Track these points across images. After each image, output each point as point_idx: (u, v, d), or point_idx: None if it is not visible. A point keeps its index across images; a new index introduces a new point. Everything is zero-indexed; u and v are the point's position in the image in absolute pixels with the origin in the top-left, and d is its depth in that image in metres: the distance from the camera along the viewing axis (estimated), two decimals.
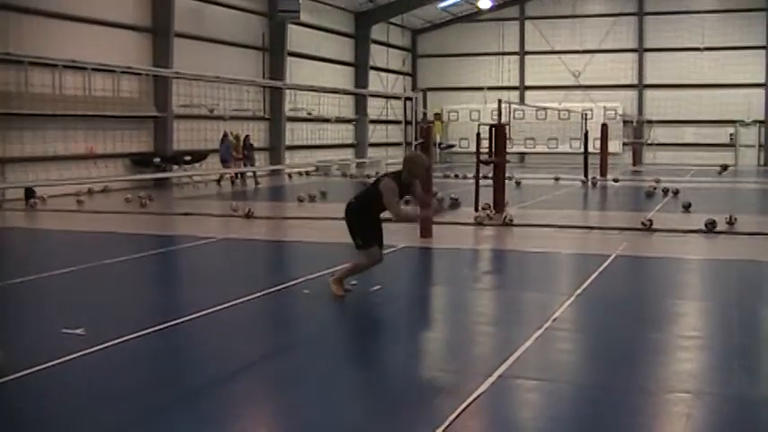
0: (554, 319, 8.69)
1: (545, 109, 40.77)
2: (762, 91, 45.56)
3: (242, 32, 34.56)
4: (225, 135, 30.31)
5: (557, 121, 42.01)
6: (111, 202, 23.00)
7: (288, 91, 36.34)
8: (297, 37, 37.85)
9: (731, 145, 46.04)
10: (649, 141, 46.76)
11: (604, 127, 35.84)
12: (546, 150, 45.77)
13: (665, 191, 24.47)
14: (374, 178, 10.48)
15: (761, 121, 45.73)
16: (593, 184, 29.08)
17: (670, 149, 46.08)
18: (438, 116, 48.38)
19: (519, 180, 28.49)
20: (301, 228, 17.25)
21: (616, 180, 30.42)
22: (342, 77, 42.34)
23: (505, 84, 47.52)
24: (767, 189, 29.14)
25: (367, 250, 9.87)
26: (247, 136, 32.12)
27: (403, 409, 6.12)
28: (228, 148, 30.05)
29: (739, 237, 15.50)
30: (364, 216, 9.90)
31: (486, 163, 19.46)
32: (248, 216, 18.42)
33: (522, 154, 46.38)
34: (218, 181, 30.35)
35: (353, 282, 10.36)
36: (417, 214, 10.54)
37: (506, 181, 20.56)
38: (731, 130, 45.96)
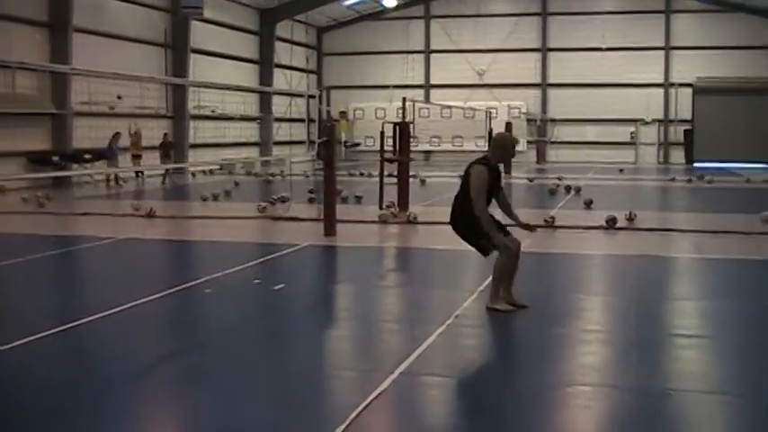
0: (456, 316, 8.75)
1: (450, 107, 41.09)
2: (661, 91, 46.78)
3: (144, 28, 33.97)
4: (116, 134, 29.07)
5: (462, 120, 42.33)
6: (6, 201, 22.30)
7: (191, 88, 35.88)
8: (200, 33, 37.38)
9: (632, 143, 47.14)
10: (553, 139, 47.54)
11: (508, 125, 36.29)
12: (451, 148, 46.10)
13: (568, 188, 24.90)
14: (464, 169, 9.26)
15: (660, 120, 46.96)
16: None
17: (573, 147, 46.99)
18: (344, 114, 48.35)
19: (424, 178, 28.60)
20: (204, 227, 17.01)
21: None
22: (246, 75, 41.94)
23: (411, 82, 47.75)
24: (666, 186, 29.90)
25: (501, 246, 8.89)
26: (165, 134, 31.76)
27: (304, 408, 6.07)
28: (113, 147, 28.75)
29: (639, 232, 15.85)
30: (472, 217, 8.88)
31: (391, 161, 19.48)
32: (150, 215, 18.10)
33: (428, 152, 46.68)
34: (116, 180, 29.34)
35: (257, 280, 10.25)
36: (497, 238, 8.82)
37: (411, 179, 20.65)
38: (632, 128, 47.06)
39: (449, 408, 6.27)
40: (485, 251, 9.07)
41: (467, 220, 8.95)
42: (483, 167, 8.87)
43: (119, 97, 29.29)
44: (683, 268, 12.85)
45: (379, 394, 6.22)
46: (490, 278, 9.12)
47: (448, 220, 9.25)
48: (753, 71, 45.00)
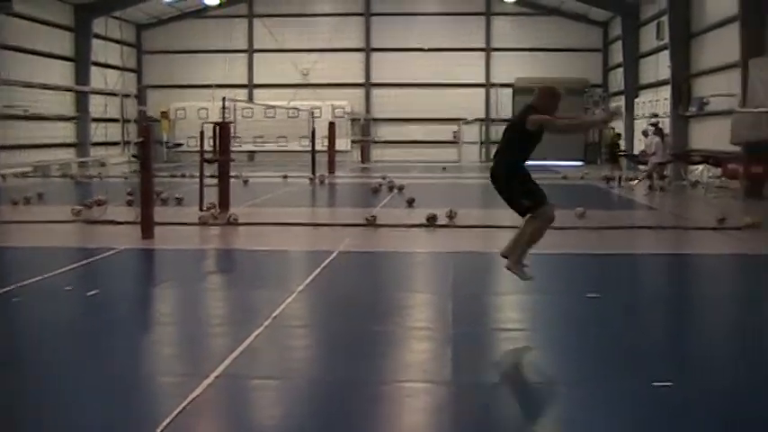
0: (274, 317, 8.62)
1: (274, 107, 40.82)
2: (482, 90, 47.98)
3: None
4: None
5: (286, 120, 42.14)
6: None
7: (1, 87, 34.16)
8: (11, 29, 35.65)
9: (455, 142, 48.11)
10: (377, 139, 47.97)
11: (332, 125, 36.44)
12: (275, 148, 45.73)
13: (391, 187, 25.10)
14: (510, 121, 9.34)
15: (482, 120, 48.13)
16: (321, 182, 29.38)
17: (397, 147, 47.52)
18: (165, 114, 47.15)
19: (247, 179, 28.28)
20: (14, 232, 16.15)
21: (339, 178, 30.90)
22: (61, 73, 40.31)
23: (235, 82, 47.08)
24: (487, 184, 30.44)
25: (540, 209, 8.87)
26: None
27: (117, 416, 5.84)
28: None
29: (459, 230, 16.09)
30: (517, 171, 9.00)
31: (211, 162, 19.14)
32: None
33: (252, 152, 46.17)
34: None
35: (68, 287, 9.80)
36: (592, 118, 8.91)
37: (234, 179, 20.34)
38: (455, 127, 48.01)
39: (266, 410, 6.17)
40: (523, 210, 9.03)
41: (513, 179, 8.99)
42: (535, 113, 8.87)
43: None
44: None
45: (194, 399, 6.06)
46: (515, 237, 9.16)
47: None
48: (568, 72, 46.72)
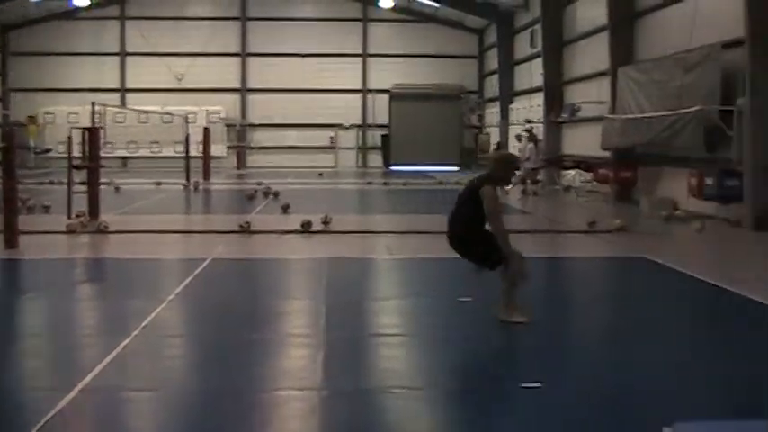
0: (144, 327, 8.39)
1: (147, 112, 39.96)
2: (359, 96, 48.07)
3: None
4: None
5: (160, 125, 41.32)
6: None
7: None
8: None
9: (332, 148, 48.06)
10: (253, 145, 47.51)
11: (207, 131, 35.95)
12: (149, 155, 44.71)
13: (267, 193, 24.87)
14: (463, 187, 9.08)
15: (359, 125, 48.22)
16: (195, 188, 28.91)
17: (273, 153, 47.12)
18: (33, 119, 45.53)
19: (119, 185, 27.60)
20: None
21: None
22: None
23: (106, 86, 45.85)
24: (363, 189, 30.71)
25: (509, 257, 8.60)
26: None
27: None
28: None
29: (334, 235, 16.05)
30: (477, 235, 8.77)
31: (79, 168, 18.55)
32: None
33: (125, 158, 45.09)
34: None
35: None
36: (518, 255, 8.67)
37: (105, 186, 19.79)
38: (332, 133, 47.96)
39: (135, 423, 6.01)
40: (492, 264, 8.75)
41: (471, 238, 8.81)
42: (491, 188, 8.69)
43: None
44: (379, 269, 13.16)
45: (57, 413, 5.82)
46: (509, 280, 8.69)
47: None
48: (444, 78, 47.48)
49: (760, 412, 6.10)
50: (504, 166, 9.01)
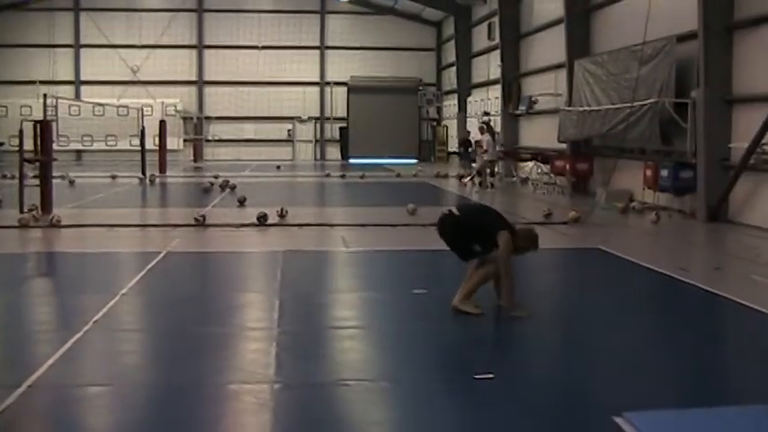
0: (95, 321, 8.27)
1: (102, 105, 39.53)
2: (317, 89, 47.91)
3: None
4: None
5: (115, 118, 40.91)
6: None
7: None
8: None
9: (289, 140, 47.89)
10: (210, 137, 47.18)
11: (163, 123, 35.66)
12: (105, 148, 44.23)
13: (223, 186, 24.73)
14: (492, 218, 9.15)
15: (317, 118, 48.07)
16: (151, 182, 28.67)
17: (231, 145, 46.89)
18: None
19: (73, 179, 27.29)
20: None
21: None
22: None
23: (60, 78, 45.30)
24: (320, 182, 30.66)
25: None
26: None
27: None
28: None
29: (290, 228, 16.01)
30: (470, 235, 8.86)
31: (31, 161, 18.30)
32: None
33: (79, 152, 44.58)
34: None
35: None
36: (510, 291, 8.73)
37: (59, 180, 19.54)
38: (289, 126, 47.78)
39: (86, 420, 5.90)
40: (468, 257, 8.93)
41: (464, 242, 8.93)
42: (510, 238, 8.72)
43: None
44: (334, 262, 13.11)
45: (5, 409, 5.74)
46: (468, 281, 8.83)
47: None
48: (402, 71, 47.50)
49: (708, 400, 6.18)
50: (530, 242, 9.06)
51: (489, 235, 8.73)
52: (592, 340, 8.12)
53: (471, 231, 8.90)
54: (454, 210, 9.30)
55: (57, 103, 28.34)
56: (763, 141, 15.93)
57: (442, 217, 9.22)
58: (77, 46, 46.44)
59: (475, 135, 30.91)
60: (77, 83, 46.22)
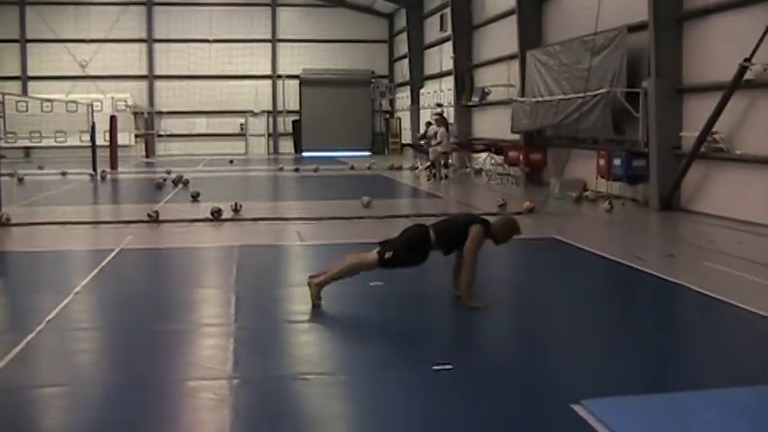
0: (48, 321, 8.14)
1: (51, 101, 38.96)
2: (269, 82, 47.67)
3: None
4: None
5: (64, 114, 40.28)
6: None
7: None
8: None
9: (242, 134, 47.63)
10: (161, 132, 46.76)
11: (113, 119, 35.28)
12: (54, 144, 43.58)
13: (176, 182, 24.52)
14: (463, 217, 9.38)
15: (269, 112, 47.85)
16: (103, 178, 28.36)
17: (183, 140, 46.56)
18: None
19: (22, 176, 26.88)
20: None
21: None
22: None
23: (6, 74, 44.56)
24: (274, 176, 30.56)
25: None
26: None
27: None
28: None
29: (244, 223, 15.94)
30: (425, 249, 8.84)
31: None
32: None
33: (28, 148, 43.91)
34: None
35: None
36: (469, 284, 8.76)
37: (7, 177, 19.24)
38: (241, 120, 47.51)
39: (41, 422, 5.76)
40: (384, 251, 8.81)
41: (421, 245, 8.88)
42: (482, 231, 8.83)
43: None
44: (289, 255, 13.05)
45: None
46: (353, 263, 8.97)
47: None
48: (354, 63, 47.48)
49: (664, 385, 6.24)
50: (507, 233, 9.10)
51: (465, 232, 8.79)
52: (549, 329, 8.17)
53: (451, 238, 8.91)
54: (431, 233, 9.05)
55: (3, 99, 27.86)
56: (714, 130, 16.14)
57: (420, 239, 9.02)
58: (24, 40, 45.73)
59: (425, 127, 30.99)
60: (24, 78, 45.53)
